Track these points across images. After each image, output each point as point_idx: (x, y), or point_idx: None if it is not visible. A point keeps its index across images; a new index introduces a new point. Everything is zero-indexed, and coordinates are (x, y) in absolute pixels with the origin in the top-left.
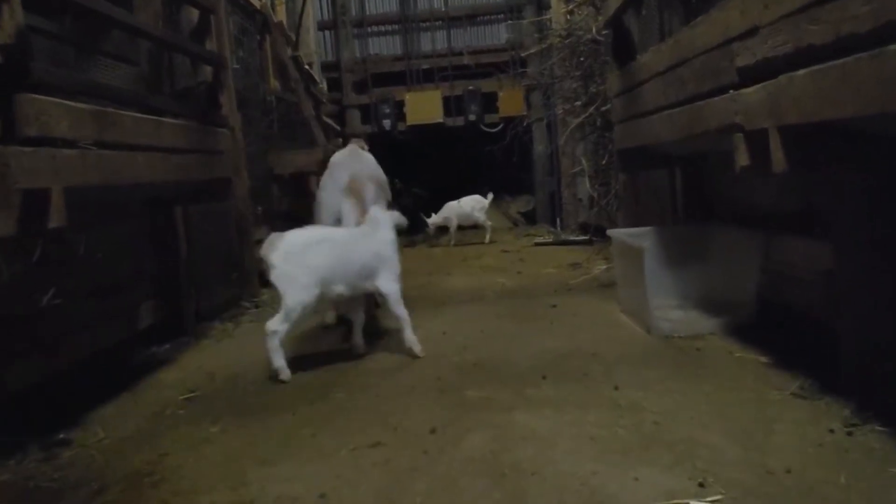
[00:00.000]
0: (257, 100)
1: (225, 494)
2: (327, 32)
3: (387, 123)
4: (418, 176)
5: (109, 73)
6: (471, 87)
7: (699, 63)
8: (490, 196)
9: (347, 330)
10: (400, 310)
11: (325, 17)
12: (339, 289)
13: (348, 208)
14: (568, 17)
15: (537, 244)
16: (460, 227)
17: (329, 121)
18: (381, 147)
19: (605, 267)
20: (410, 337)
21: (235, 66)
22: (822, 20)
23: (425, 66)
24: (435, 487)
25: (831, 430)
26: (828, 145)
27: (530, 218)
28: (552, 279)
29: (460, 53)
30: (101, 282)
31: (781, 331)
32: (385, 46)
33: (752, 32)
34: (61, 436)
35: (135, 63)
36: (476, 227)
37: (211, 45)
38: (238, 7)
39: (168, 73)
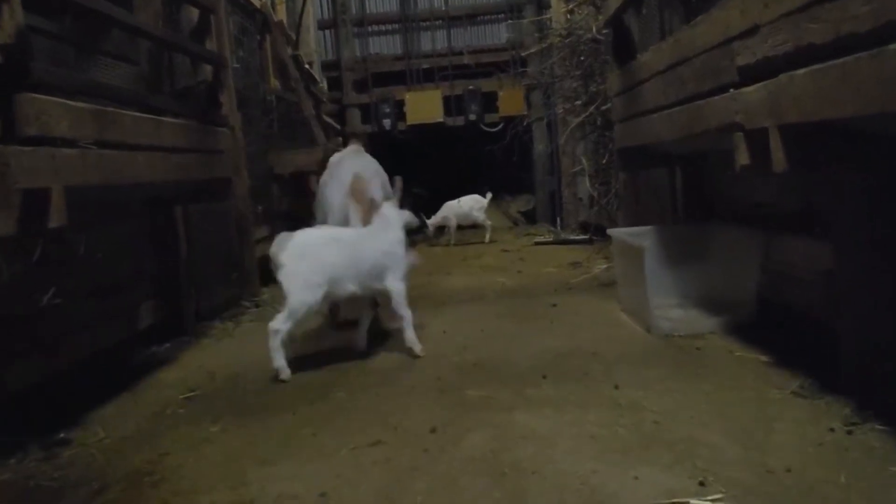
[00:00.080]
0: (257, 99)
1: (225, 494)
2: (327, 31)
3: (387, 123)
4: (418, 175)
5: (109, 73)
6: (471, 87)
7: (699, 62)
8: (489, 195)
9: (351, 325)
10: (404, 309)
11: (326, 16)
12: (351, 288)
13: (354, 207)
14: (568, 16)
15: (537, 243)
16: (460, 227)
17: (329, 120)
18: (382, 146)
19: (605, 266)
20: (411, 337)
21: (235, 65)
22: (822, 19)
23: (425, 66)
24: (435, 486)
25: (831, 430)
26: (828, 145)
27: (530, 217)
28: (552, 278)
29: (460, 53)
30: (102, 281)
31: (781, 330)
32: (385, 46)
33: (752, 31)
34: (61, 435)
35: (135, 62)
36: (476, 226)
37: (211, 44)
38: (238, 6)
39: (168, 72)
